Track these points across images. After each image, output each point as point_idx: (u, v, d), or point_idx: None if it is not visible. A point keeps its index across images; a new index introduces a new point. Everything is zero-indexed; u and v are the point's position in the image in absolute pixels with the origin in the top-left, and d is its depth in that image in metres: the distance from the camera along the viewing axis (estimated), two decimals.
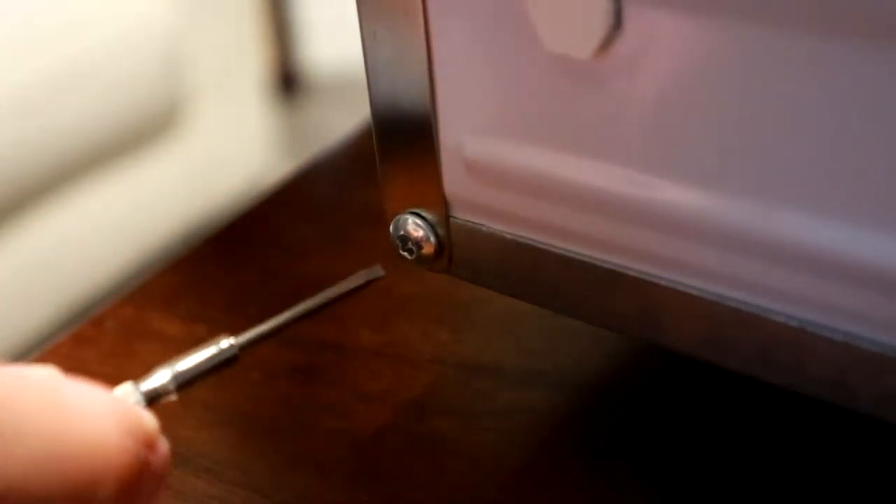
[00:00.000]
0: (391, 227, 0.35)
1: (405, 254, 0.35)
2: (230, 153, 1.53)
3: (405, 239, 0.35)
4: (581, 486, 0.34)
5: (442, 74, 0.32)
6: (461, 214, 0.34)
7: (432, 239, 0.34)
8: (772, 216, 0.27)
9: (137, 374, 0.30)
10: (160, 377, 0.29)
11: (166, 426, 0.38)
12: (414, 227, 0.35)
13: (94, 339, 0.43)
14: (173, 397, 0.30)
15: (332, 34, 2.03)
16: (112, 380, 0.29)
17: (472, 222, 0.34)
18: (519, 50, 0.30)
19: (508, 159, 0.32)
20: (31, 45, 1.23)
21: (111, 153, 1.34)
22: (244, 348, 0.31)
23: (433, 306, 0.43)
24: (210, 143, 1.48)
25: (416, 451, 0.36)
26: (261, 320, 0.33)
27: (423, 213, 0.34)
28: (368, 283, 0.34)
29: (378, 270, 0.34)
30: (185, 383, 0.30)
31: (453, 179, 0.33)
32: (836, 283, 0.27)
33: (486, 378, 0.39)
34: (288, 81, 2.04)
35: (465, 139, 0.33)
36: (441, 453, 0.36)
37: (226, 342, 0.31)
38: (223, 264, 0.47)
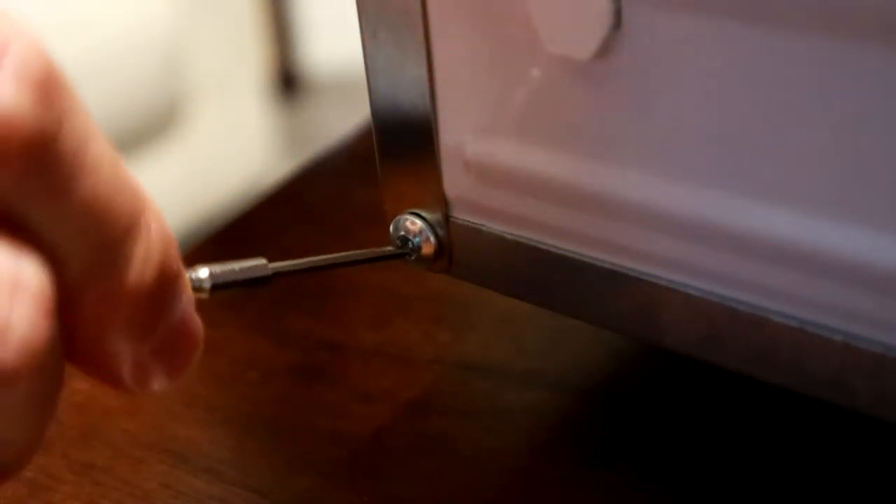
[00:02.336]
0: (391, 228, 0.35)
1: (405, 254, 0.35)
2: (230, 153, 1.53)
3: (405, 239, 0.35)
4: (581, 487, 0.34)
5: (442, 74, 0.32)
6: (461, 214, 0.34)
7: (432, 239, 0.34)
8: (772, 216, 0.28)
9: None
10: (200, 272, 0.28)
11: (166, 426, 0.39)
12: (414, 227, 0.35)
13: None
14: (205, 295, 0.29)
15: (332, 34, 2.03)
16: None
17: (472, 222, 0.34)
18: (519, 50, 0.30)
19: (508, 159, 0.32)
20: None
21: None
22: (277, 274, 0.31)
23: (433, 306, 0.43)
24: (210, 143, 1.48)
25: (416, 451, 0.36)
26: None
27: (423, 214, 0.34)
28: (398, 255, 0.34)
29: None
30: (219, 285, 0.28)
31: (453, 179, 0.33)
32: (836, 283, 0.27)
33: (486, 378, 0.39)
34: (288, 81, 2.04)
35: (465, 139, 0.33)
36: (441, 453, 0.36)
37: (263, 260, 0.30)
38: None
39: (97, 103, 1.32)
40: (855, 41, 0.25)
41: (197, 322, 0.25)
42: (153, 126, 1.39)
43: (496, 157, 0.32)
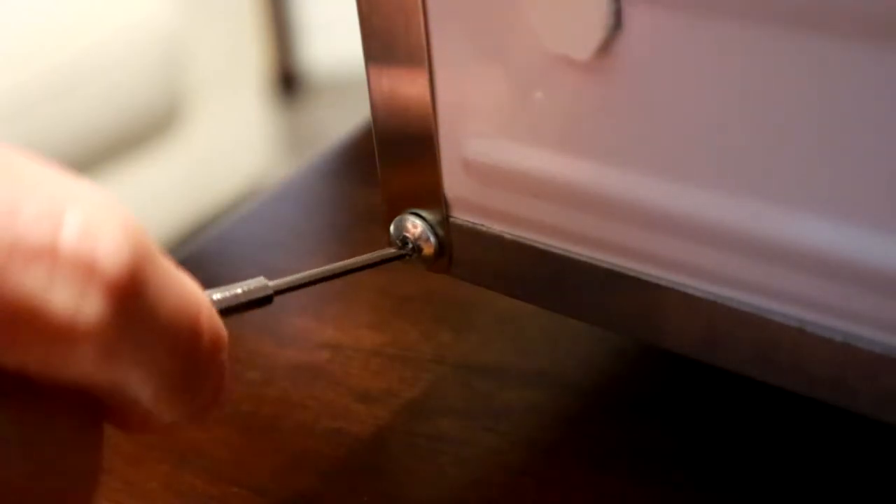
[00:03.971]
0: (391, 228, 0.35)
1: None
2: (230, 153, 1.53)
3: (405, 239, 0.35)
4: (581, 486, 0.34)
5: (442, 74, 0.32)
6: (461, 215, 0.34)
7: (432, 239, 0.34)
8: (772, 216, 0.28)
9: None
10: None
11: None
12: (414, 227, 0.35)
13: None
14: None
15: (332, 34, 2.03)
16: None
17: (472, 222, 0.34)
18: (519, 50, 0.30)
19: (508, 160, 0.32)
20: (31, 45, 1.23)
21: (111, 153, 1.34)
22: (279, 292, 0.31)
23: (433, 306, 0.43)
24: (210, 142, 1.48)
25: (416, 451, 0.36)
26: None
27: (423, 214, 0.34)
28: (398, 257, 0.34)
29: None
30: (223, 311, 0.28)
31: (453, 180, 0.33)
32: (836, 283, 0.27)
33: (486, 378, 0.39)
34: (288, 81, 2.04)
35: (464, 139, 0.33)
36: (441, 453, 0.36)
37: (262, 280, 0.30)
38: (223, 264, 0.47)
39: (97, 103, 1.33)
40: (855, 41, 0.25)
41: (228, 376, 0.25)
42: (153, 126, 1.39)
43: (496, 157, 0.32)
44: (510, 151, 0.32)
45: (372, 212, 0.38)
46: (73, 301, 0.20)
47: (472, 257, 0.34)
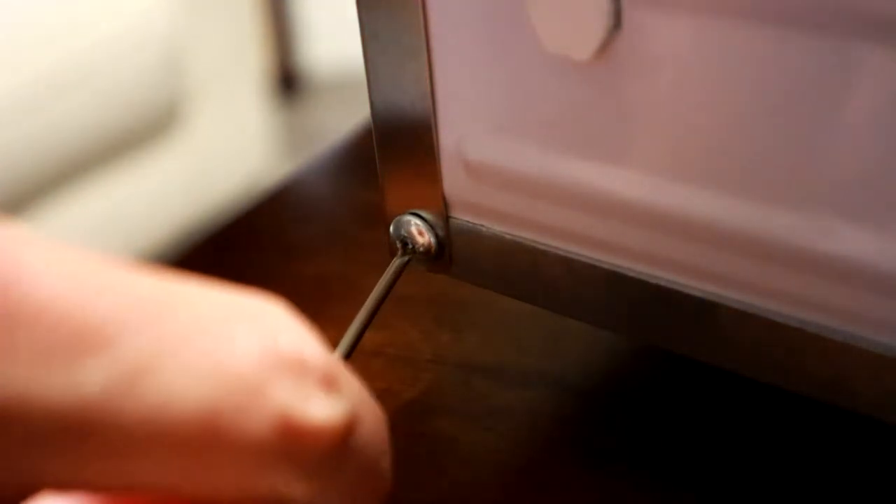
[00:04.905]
0: (391, 228, 0.35)
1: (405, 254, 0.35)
2: (230, 153, 1.53)
3: (405, 239, 0.35)
4: (581, 486, 0.34)
5: (442, 75, 0.32)
6: (461, 215, 0.34)
7: (432, 239, 0.34)
8: (772, 216, 0.27)
9: None
10: None
11: None
12: (414, 227, 0.35)
13: None
14: None
15: (332, 34, 2.03)
16: None
17: (472, 223, 0.34)
18: (519, 51, 0.30)
19: (508, 160, 0.32)
20: (31, 46, 1.23)
21: (111, 153, 1.34)
22: (347, 357, 0.31)
23: (433, 306, 0.43)
24: (210, 143, 1.48)
25: (416, 451, 0.36)
26: None
27: (423, 214, 0.34)
28: (408, 262, 0.34)
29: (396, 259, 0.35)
30: None
31: (453, 180, 0.33)
32: (836, 283, 0.27)
33: (486, 378, 0.39)
34: (288, 81, 2.04)
35: (464, 140, 0.33)
36: (441, 453, 0.36)
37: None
38: (223, 264, 0.47)
39: (97, 103, 1.33)
40: (855, 40, 0.25)
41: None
42: (153, 126, 1.39)
43: (496, 157, 0.32)
44: (510, 151, 0.32)
45: (372, 212, 0.38)
46: (322, 406, 0.23)
47: (472, 257, 0.34)
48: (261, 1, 1.79)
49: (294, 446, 0.23)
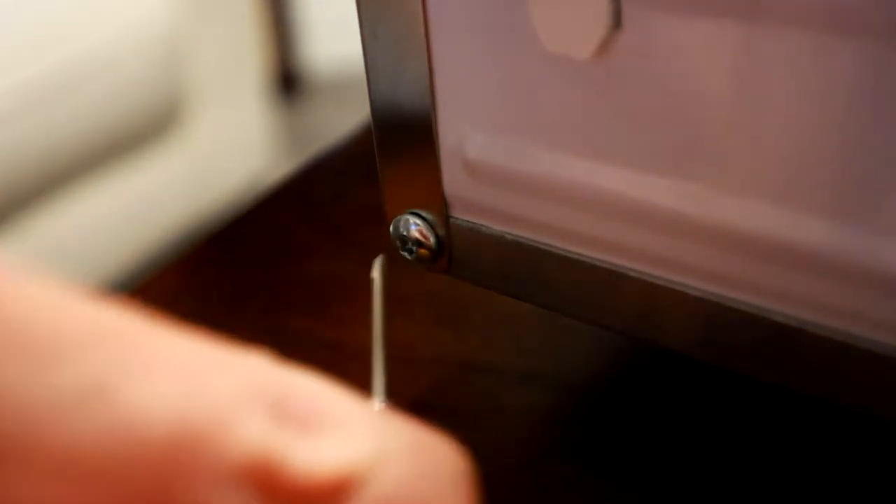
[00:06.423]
0: (391, 228, 0.35)
1: (405, 254, 0.35)
2: (230, 153, 1.53)
3: (405, 239, 0.35)
4: (580, 486, 0.34)
5: (442, 74, 0.32)
6: (461, 214, 0.34)
7: (432, 239, 0.34)
8: (773, 216, 0.27)
9: None
10: None
11: None
12: (414, 227, 0.35)
13: None
14: None
15: (332, 34, 2.03)
16: None
17: (472, 222, 0.34)
18: (519, 50, 0.30)
19: (508, 159, 0.32)
20: (32, 46, 1.23)
21: (111, 153, 1.34)
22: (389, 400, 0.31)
23: (433, 306, 0.43)
24: (210, 142, 1.48)
25: None
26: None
27: (423, 214, 0.34)
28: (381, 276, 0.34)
29: (377, 263, 0.34)
30: None
31: (453, 179, 0.33)
32: (836, 283, 0.27)
33: (486, 378, 0.39)
34: (288, 81, 2.04)
35: (464, 139, 0.33)
36: None
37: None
38: (223, 264, 0.47)
39: (97, 103, 1.33)
40: (855, 40, 0.25)
41: None
42: (153, 126, 1.39)
43: (496, 156, 0.32)
44: (510, 151, 0.32)
45: (372, 212, 0.38)
46: (307, 450, 0.21)
47: (472, 257, 0.34)
48: (261, 1, 1.79)
49: (266, 494, 0.20)
